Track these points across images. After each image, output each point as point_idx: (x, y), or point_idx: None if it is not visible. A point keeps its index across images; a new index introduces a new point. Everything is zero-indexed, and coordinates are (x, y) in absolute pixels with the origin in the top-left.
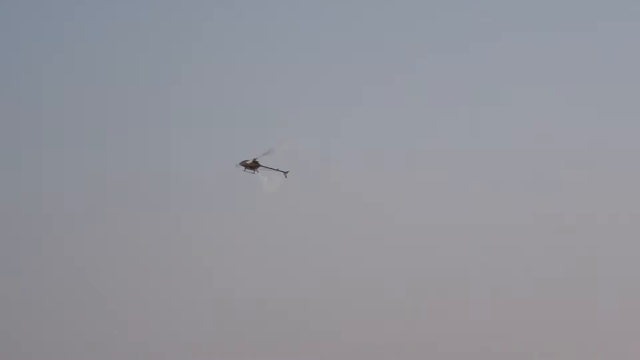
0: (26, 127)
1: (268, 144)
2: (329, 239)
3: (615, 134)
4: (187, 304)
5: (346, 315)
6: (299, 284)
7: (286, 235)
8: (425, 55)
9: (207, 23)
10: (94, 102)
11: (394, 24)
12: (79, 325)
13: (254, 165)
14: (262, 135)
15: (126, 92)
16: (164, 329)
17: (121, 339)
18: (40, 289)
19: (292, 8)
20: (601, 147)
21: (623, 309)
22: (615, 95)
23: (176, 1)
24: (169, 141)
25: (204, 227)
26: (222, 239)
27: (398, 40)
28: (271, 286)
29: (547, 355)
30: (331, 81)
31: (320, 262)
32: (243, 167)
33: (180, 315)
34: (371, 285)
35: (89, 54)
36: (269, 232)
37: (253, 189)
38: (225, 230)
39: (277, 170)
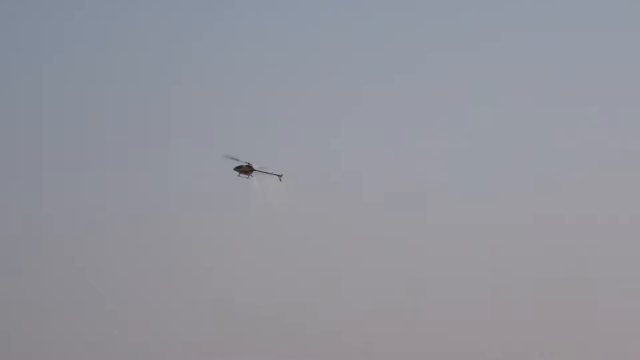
0: (26, 127)
1: (268, 144)
2: (329, 239)
3: (615, 134)
4: (187, 304)
5: (346, 315)
6: (299, 284)
7: (286, 235)
8: (425, 55)
9: (207, 23)
10: (94, 102)
11: (394, 23)
12: (79, 325)
13: (248, 170)
14: (262, 135)
15: (126, 92)
16: (164, 329)
17: (121, 339)
18: (40, 289)
19: (292, 8)
20: (601, 147)
21: (623, 309)
22: (616, 95)
23: (176, 1)
24: (169, 141)
25: (204, 227)
26: (222, 239)
27: (398, 40)
28: (271, 286)
29: (547, 355)
30: (331, 81)
31: (320, 262)
32: (237, 172)
33: (180, 315)
34: (371, 285)
35: (89, 54)
36: (268, 232)
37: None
38: (225, 231)
39: (272, 174)
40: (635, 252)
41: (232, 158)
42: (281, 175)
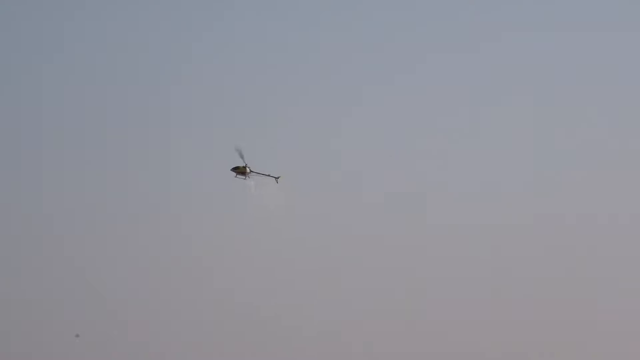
0: (26, 127)
1: (268, 144)
2: (329, 238)
3: (615, 134)
4: (187, 304)
5: (346, 315)
6: (299, 284)
7: (286, 235)
8: (425, 55)
9: (207, 23)
10: (94, 102)
11: (394, 23)
12: (79, 325)
13: (244, 171)
14: (262, 135)
15: (126, 92)
16: (164, 329)
17: (121, 339)
18: (40, 289)
19: (292, 8)
20: (601, 147)
21: (623, 309)
22: (616, 95)
23: (176, 1)
24: (169, 141)
25: (204, 227)
26: (223, 239)
27: (398, 40)
28: (271, 286)
29: (547, 355)
30: (331, 81)
31: (320, 262)
32: (235, 174)
33: (180, 315)
34: (371, 285)
35: (89, 54)
36: (269, 232)
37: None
38: (225, 231)
39: (269, 175)
40: (635, 252)
41: (240, 153)
42: (278, 178)
